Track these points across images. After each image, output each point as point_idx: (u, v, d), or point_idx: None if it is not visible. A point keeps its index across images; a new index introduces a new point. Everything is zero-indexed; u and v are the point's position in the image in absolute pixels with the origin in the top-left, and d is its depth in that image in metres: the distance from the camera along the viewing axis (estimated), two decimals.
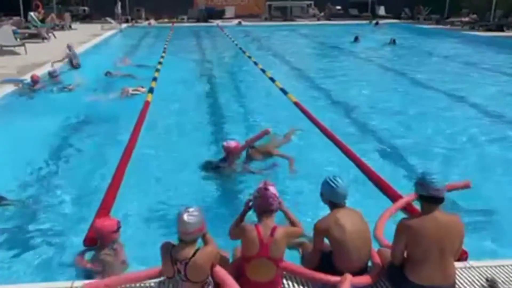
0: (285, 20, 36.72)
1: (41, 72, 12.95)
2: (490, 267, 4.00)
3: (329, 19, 37.07)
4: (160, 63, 15.94)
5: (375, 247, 4.01)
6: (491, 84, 13.46)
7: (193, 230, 3.27)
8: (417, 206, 4.02)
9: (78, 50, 18.81)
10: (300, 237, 4.14)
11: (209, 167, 6.79)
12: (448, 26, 30.59)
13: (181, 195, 6.02)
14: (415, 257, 3.48)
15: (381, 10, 38.36)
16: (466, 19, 30.54)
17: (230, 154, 6.68)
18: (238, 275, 3.60)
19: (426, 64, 17.56)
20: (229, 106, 11.17)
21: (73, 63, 14.85)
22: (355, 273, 3.66)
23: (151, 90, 11.46)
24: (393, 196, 5.29)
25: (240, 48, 20.56)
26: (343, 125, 9.27)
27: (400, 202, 4.93)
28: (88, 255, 4.35)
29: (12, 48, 17.65)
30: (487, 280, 3.78)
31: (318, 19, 37.39)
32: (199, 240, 3.40)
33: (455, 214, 3.62)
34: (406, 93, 12.52)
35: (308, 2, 39.10)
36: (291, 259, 3.97)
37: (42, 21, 25.70)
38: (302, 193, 6.00)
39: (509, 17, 28.25)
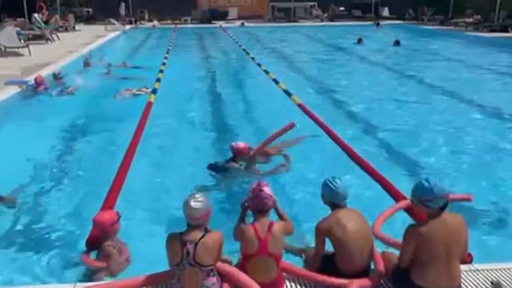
0: (289, 21, 36.72)
1: (45, 73, 12.99)
2: (496, 270, 3.96)
3: (332, 20, 37.08)
4: (164, 64, 15.94)
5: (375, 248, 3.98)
6: (498, 86, 13.39)
7: (199, 215, 3.41)
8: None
9: (82, 51, 18.91)
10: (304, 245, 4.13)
11: (215, 167, 6.78)
12: (452, 27, 30.54)
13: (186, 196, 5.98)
14: (421, 260, 3.44)
15: (385, 11, 38.33)
16: (470, 20, 30.46)
17: (238, 155, 6.67)
18: None
19: (431, 65, 17.45)
20: (232, 107, 11.16)
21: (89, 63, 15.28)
22: (357, 274, 3.65)
23: (154, 91, 11.47)
24: (397, 197, 5.25)
25: (244, 50, 20.57)
26: (349, 128, 9.22)
27: (402, 204, 4.87)
28: (93, 255, 4.35)
29: (16, 50, 17.71)
30: (492, 283, 3.75)
31: (322, 20, 37.39)
32: None
33: (459, 215, 3.59)
34: (411, 95, 12.42)
35: (312, 3, 39.10)
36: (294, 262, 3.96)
37: (46, 22, 25.74)
38: (307, 194, 5.98)
39: None
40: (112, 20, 31.59)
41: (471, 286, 3.75)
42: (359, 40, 23.12)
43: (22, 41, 18.48)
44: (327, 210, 3.87)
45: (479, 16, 30.19)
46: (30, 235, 5.25)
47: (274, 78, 13.50)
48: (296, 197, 6.08)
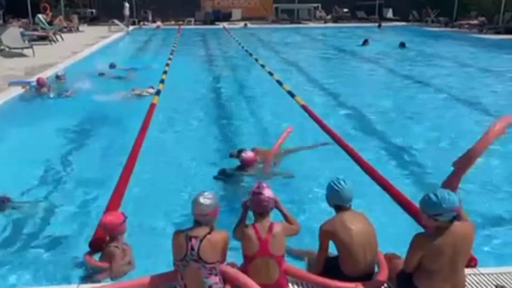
0: (292, 22, 36.73)
1: (48, 74, 13.01)
2: (500, 274, 3.93)
3: (336, 22, 37.05)
4: (167, 65, 15.96)
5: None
6: (505, 88, 13.33)
7: (208, 212, 3.45)
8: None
9: (86, 52, 18.97)
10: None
11: (222, 174, 6.74)
12: (457, 29, 30.46)
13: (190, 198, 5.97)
14: (428, 268, 3.39)
15: (389, 13, 38.25)
16: (475, 21, 30.37)
17: (246, 165, 6.63)
18: None
19: (436, 67, 17.31)
20: (235, 108, 11.17)
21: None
22: (361, 277, 3.63)
23: (158, 93, 11.48)
24: (403, 203, 5.21)
25: (247, 51, 20.58)
26: (352, 130, 9.20)
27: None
28: (96, 256, 4.34)
29: (20, 50, 17.76)
30: (496, 287, 3.72)
31: (325, 22, 37.37)
32: None
33: (469, 223, 3.50)
34: (416, 97, 12.39)
35: (315, 5, 39.09)
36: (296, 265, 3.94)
37: (50, 23, 25.83)
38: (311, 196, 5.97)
39: None
40: (116, 21, 31.65)
41: None
42: (365, 41, 22.81)
43: (26, 42, 18.52)
44: (331, 213, 3.85)
45: (483, 18, 30.09)
46: (34, 237, 5.25)
47: (277, 79, 13.49)
48: (296, 198, 6.06)
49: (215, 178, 6.63)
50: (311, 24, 36.19)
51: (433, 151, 8.14)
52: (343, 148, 7.22)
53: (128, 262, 4.33)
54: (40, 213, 5.77)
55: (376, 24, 33.59)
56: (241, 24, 35.02)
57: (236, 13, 38.73)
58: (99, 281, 4.02)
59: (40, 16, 25.30)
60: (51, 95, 11.63)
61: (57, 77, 12.74)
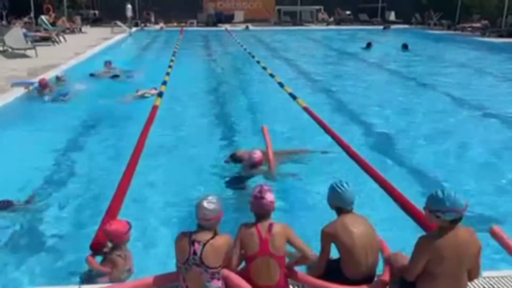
0: (294, 24, 36.76)
1: (51, 74, 13.03)
2: (499, 277, 3.93)
3: (338, 24, 37.07)
4: (170, 66, 15.97)
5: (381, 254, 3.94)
6: (508, 91, 13.30)
7: (211, 216, 3.45)
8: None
9: (89, 53, 19.00)
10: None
11: (232, 158, 6.92)
12: (459, 32, 30.43)
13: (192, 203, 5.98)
14: (431, 272, 3.36)
15: (391, 15, 38.26)
16: (478, 24, 30.36)
17: (257, 165, 6.66)
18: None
19: (439, 70, 17.31)
20: (236, 110, 11.17)
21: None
22: (362, 280, 3.62)
23: (160, 94, 11.48)
24: (406, 206, 5.20)
25: (249, 53, 20.60)
26: (355, 133, 9.18)
27: None
28: (98, 258, 4.34)
29: (22, 51, 17.80)
30: None
31: (328, 24, 37.40)
32: None
33: (469, 229, 3.46)
34: (421, 100, 12.34)
35: (318, 7, 39.12)
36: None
37: (53, 24, 25.90)
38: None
39: None
40: (119, 23, 31.72)
41: None
42: (368, 44, 22.72)
43: (29, 42, 18.56)
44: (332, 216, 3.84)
45: (486, 21, 30.07)
46: (35, 239, 5.25)
47: (279, 81, 13.49)
48: (296, 198, 6.06)
49: (226, 162, 6.90)
50: (314, 27, 36.23)
51: (434, 152, 8.14)
52: (345, 150, 7.23)
53: (128, 269, 4.30)
54: (41, 214, 5.76)
55: (381, 27, 33.53)
56: (243, 26, 35.06)
57: (239, 15, 38.80)
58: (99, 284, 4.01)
59: (43, 17, 25.38)
60: (57, 94, 11.65)
61: (57, 78, 12.77)
